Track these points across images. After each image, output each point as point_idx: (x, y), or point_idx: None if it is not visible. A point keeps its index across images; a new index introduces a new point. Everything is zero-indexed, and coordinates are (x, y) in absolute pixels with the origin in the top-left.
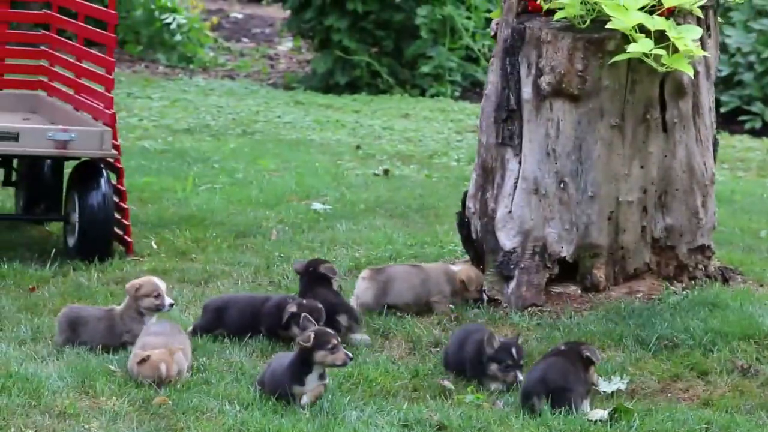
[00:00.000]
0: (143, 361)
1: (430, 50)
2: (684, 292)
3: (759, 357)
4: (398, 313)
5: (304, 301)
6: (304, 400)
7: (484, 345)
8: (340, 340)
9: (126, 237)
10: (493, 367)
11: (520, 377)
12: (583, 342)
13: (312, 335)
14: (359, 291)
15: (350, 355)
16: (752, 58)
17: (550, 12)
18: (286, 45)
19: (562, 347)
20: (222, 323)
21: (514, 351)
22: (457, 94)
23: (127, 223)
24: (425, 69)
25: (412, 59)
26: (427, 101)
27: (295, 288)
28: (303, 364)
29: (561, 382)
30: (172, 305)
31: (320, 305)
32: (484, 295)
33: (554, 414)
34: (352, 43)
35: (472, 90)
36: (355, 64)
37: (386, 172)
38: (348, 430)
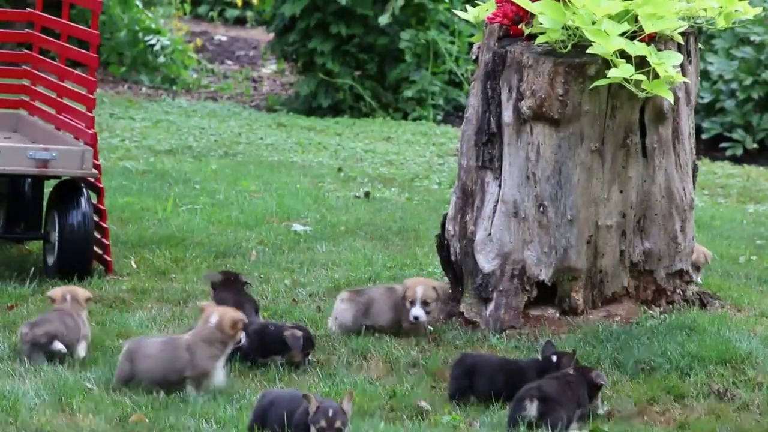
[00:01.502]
0: None
1: (413, 74)
2: (662, 316)
3: (735, 381)
4: (376, 334)
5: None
6: None
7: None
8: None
9: (106, 256)
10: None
11: None
12: (592, 368)
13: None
14: (338, 312)
15: None
16: (734, 85)
17: (532, 36)
18: (269, 67)
19: (570, 369)
20: None
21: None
22: (439, 117)
23: (106, 242)
24: (408, 93)
25: (396, 83)
26: (410, 125)
27: (274, 307)
28: None
29: (555, 395)
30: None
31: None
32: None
33: None
34: (336, 66)
35: (455, 114)
36: (339, 87)
37: (367, 194)
38: None
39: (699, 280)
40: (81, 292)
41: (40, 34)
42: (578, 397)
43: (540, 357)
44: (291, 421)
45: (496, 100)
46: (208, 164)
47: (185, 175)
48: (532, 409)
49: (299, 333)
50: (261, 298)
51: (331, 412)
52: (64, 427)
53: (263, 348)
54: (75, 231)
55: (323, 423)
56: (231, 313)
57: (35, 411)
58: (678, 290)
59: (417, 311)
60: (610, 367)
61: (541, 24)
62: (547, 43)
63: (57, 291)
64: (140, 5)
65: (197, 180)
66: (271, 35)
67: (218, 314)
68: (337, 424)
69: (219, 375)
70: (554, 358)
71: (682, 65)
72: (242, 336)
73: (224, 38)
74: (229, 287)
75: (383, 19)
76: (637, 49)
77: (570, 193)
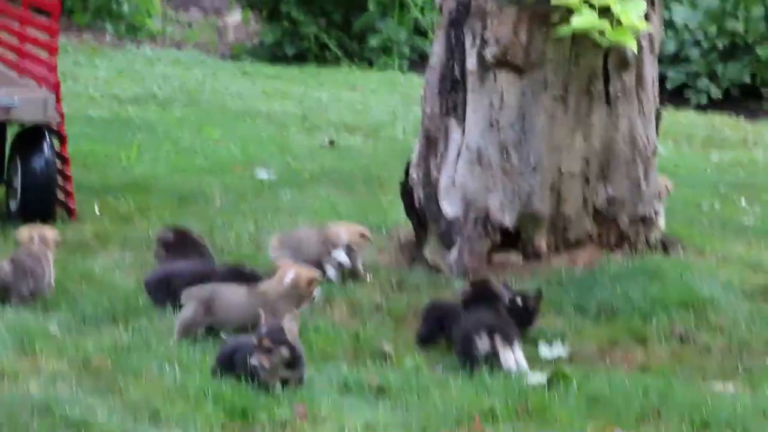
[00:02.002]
0: None
1: (378, 23)
2: (624, 261)
3: (697, 325)
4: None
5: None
6: None
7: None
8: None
9: (69, 202)
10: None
11: None
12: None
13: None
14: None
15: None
16: (698, 35)
17: None
18: (234, 16)
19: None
20: None
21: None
22: (405, 66)
23: (69, 189)
24: (373, 42)
25: (361, 31)
26: (375, 73)
27: (238, 254)
28: None
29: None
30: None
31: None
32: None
33: (493, 377)
34: (301, 15)
35: (420, 63)
36: (304, 35)
37: (332, 142)
38: (287, 393)
39: (661, 212)
40: (50, 233)
41: None
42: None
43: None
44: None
45: (459, 48)
46: (173, 112)
47: (149, 123)
48: (484, 343)
49: None
50: (224, 244)
51: (264, 330)
52: (27, 370)
53: None
54: (37, 176)
55: (256, 340)
56: (307, 272)
57: None
58: (641, 236)
59: (341, 255)
60: (573, 311)
61: None
62: None
63: (24, 232)
64: None
65: (161, 128)
66: None
67: (294, 272)
68: (266, 342)
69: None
70: (519, 300)
71: (645, 13)
72: (317, 293)
73: None
74: (182, 246)
75: None
76: None
77: (533, 139)
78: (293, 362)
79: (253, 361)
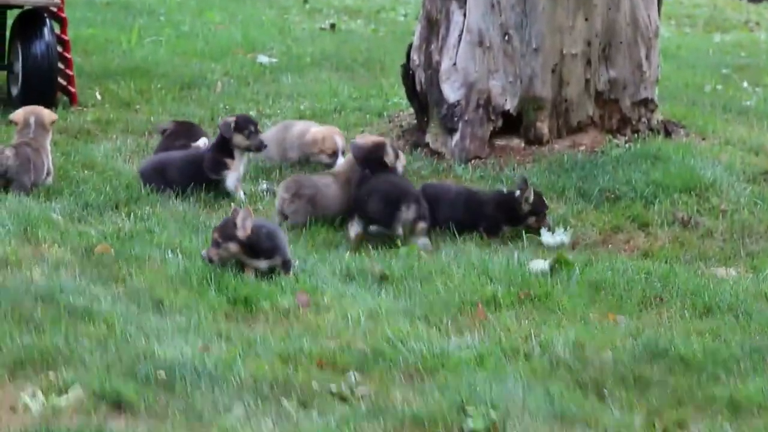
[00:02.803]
0: None
1: None
2: (627, 145)
3: (699, 209)
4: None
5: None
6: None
7: (520, 201)
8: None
9: (70, 87)
10: (532, 220)
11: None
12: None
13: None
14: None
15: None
16: None
17: None
18: None
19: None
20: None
21: (544, 199)
22: None
23: (70, 73)
24: None
25: None
26: None
27: None
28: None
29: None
30: None
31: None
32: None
33: (495, 265)
34: None
35: None
36: None
37: (333, 26)
38: (290, 280)
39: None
40: (46, 114)
41: None
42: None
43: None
44: None
45: None
46: None
47: (149, 7)
48: (409, 212)
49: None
50: None
51: (220, 223)
52: (30, 258)
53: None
54: (38, 61)
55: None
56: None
57: (0, 242)
58: (643, 119)
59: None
60: (575, 196)
61: None
62: None
63: (19, 114)
64: None
65: (162, 12)
66: None
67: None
68: (215, 235)
69: None
70: (517, 193)
71: None
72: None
73: None
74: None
75: None
76: None
77: (535, 21)
78: (262, 252)
79: (203, 254)
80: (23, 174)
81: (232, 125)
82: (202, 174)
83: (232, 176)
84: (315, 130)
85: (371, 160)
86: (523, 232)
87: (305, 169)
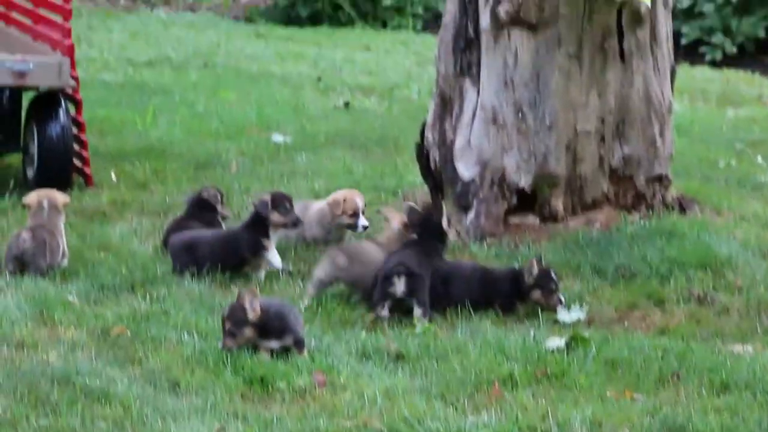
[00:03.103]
0: None
1: None
2: (641, 222)
3: (715, 285)
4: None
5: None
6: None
7: (524, 274)
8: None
9: (85, 169)
10: (537, 294)
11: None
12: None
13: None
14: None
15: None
16: None
17: None
18: None
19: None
20: None
21: (553, 275)
22: (418, 26)
23: (86, 154)
24: (387, 1)
25: None
26: (389, 34)
27: None
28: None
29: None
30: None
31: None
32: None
33: (511, 343)
34: None
35: (434, 22)
36: None
37: (347, 104)
38: (306, 360)
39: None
40: (59, 196)
41: None
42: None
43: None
44: None
45: (473, 6)
46: (188, 75)
47: (164, 87)
48: (400, 285)
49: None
50: (242, 209)
51: (226, 311)
52: (46, 340)
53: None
54: (54, 143)
55: (221, 322)
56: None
57: (17, 324)
58: (657, 195)
59: (364, 221)
60: (590, 273)
61: None
62: None
63: (33, 197)
64: None
65: (176, 91)
66: None
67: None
68: (228, 325)
69: None
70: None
71: None
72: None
73: None
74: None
75: None
76: None
77: (548, 98)
78: (273, 332)
79: (220, 346)
80: (40, 257)
81: (269, 203)
82: (236, 254)
83: (272, 254)
84: (336, 193)
85: (424, 225)
86: (539, 309)
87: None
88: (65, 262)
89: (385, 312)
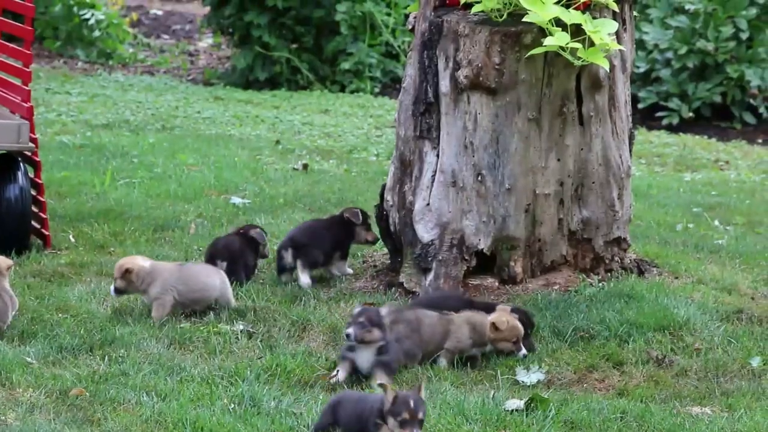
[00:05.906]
0: None
1: (350, 46)
2: (600, 284)
3: (673, 348)
4: (314, 304)
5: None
6: None
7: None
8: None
9: (44, 230)
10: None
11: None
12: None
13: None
14: None
15: None
16: (669, 54)
17: (468, 6)
18: (206, 41)
19: None
20: None
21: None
22: (377, 90)
23: (44, 216)
24: (345, 65)
25: (332, 55)
26: (347, 97)
27: None
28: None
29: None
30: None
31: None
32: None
33: (471, 404)
34: (272, 39)
35: (392, 86)
36: (275, 60)
37: (305, 166)
38: (266, 420)
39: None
40: (2, 261)
41: None
42: None
43: None
44: (363, 418)
45: (433, 70)
46: (146, 138)
47: (122, 149)
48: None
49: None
50: None
51: (412, 403)
52: (4, 401)
53: None
54: (12, 205)
55: (405, 415)
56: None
57: None
58: (616, 258)
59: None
60: (549, 335)
61: None
62: (483, 11)
63: None
64: None
65: (135, 154)
66: (207, 9)
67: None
68: (420, 415)
69: None
70: None
71: (617, 33)
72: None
73: (160, 12)
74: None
75: None
76: (572, 17)
77: (508, 162)
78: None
79: None
80: None
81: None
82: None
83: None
84: None
85: None
86: (498, 372)
87: None
88: (15, 314)
89: (342, 375)
